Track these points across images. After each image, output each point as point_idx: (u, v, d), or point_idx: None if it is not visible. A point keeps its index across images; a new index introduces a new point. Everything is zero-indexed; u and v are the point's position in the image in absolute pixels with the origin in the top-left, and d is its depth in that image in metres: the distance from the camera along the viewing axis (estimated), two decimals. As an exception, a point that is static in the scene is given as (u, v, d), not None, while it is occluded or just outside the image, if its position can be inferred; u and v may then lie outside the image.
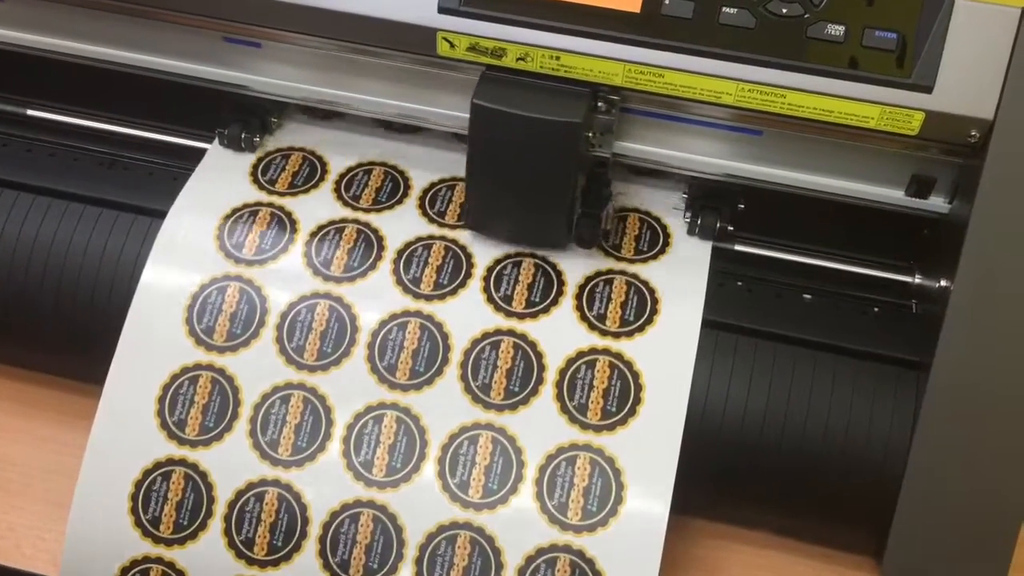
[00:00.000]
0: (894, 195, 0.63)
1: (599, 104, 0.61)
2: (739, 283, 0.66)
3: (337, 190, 0.67)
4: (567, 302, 0.63)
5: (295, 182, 0.67)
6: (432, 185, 0.68)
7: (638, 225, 0.66)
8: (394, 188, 0.67)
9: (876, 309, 0.65)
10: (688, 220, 0.67)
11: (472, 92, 0.65)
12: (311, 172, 0.68)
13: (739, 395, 0.62)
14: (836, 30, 0.57)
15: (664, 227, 0.66)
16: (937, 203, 0.63)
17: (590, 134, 0.62)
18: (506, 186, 0.62)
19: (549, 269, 0.64)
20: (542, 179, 0.61)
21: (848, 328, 0.64)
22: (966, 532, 0.60)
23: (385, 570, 0.58)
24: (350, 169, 0.68)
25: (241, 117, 0.69)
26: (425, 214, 0.66)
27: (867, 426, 0.61)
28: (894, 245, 0.67)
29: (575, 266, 0.64)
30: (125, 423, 0.62)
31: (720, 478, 0.62)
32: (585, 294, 0.63)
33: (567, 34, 0.59)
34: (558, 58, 0.59)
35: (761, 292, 0.66)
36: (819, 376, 0.62)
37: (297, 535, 0.59)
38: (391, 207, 0.66)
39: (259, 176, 0.68)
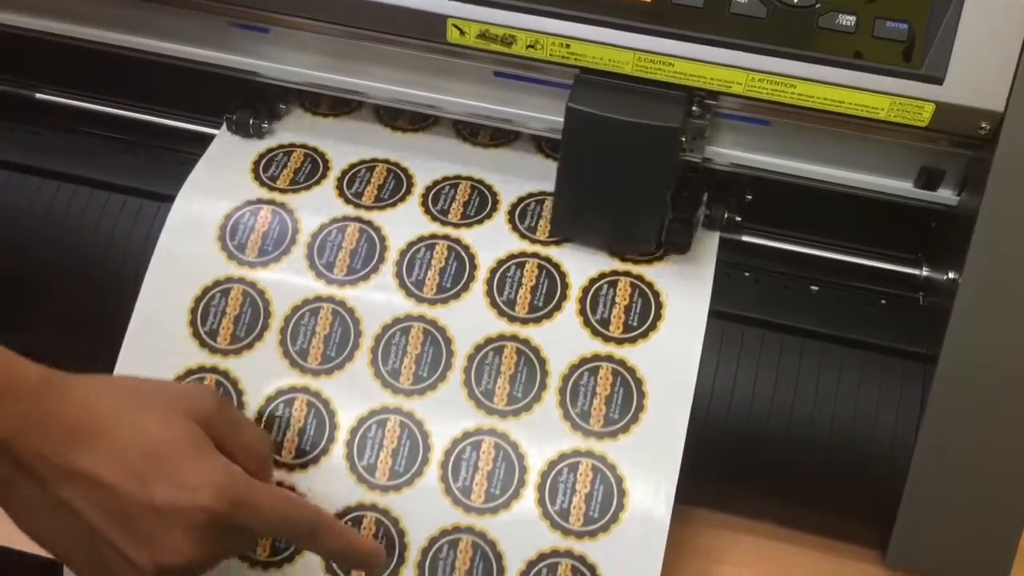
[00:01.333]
0: (902, 187, 0.63)
1: (694, 108, 0.61)
2: (746, 274, 0.66)
3: (339, 187, 0.66)
4: (570, 306, 0.63)
5: (296, 179, 0.67)
6: (435, 183, 0.67)
7: None
8: (396, 185, 0.67)
9: (883, 301, 0.65)
10: (695, 211, 0.67)
11: (480, 80, 0.65)
12: (312, 169, 0.68)
13: (745, 386, 0.62)
14: (847, 20, 0.57)
15: None
16: (946, 195, 0.63)
17: (684, 138, 0.61)
18: (598, 191, 0.61)
19: (552, 270, 0.64)
20: (636, 184, 0.61)
21: (855, 320, 0.63)
22: (971, 525, 0.60)
23: (412, 472, 0.60)
24: (352, 166, 0.68)
25: (249, 103, 0.69)
26: (428, 212, 0.66)
27: (873, 418, 0.61)
28: (902, 237, 0.67)
29: (580, 267, 0.64)
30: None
31: (725, 468, 0.62)
32: (589, 297, 0.63)
33: (578, 22, 0.58)
34: (568, 46, 0.59)
35: (768, 283, 0.65)
36: (825, 368, 0.62)
37: (325, 439, 0.61)
38: (394, 205, 0.66)
39: (260, 173, 0.67)
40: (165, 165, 0.69)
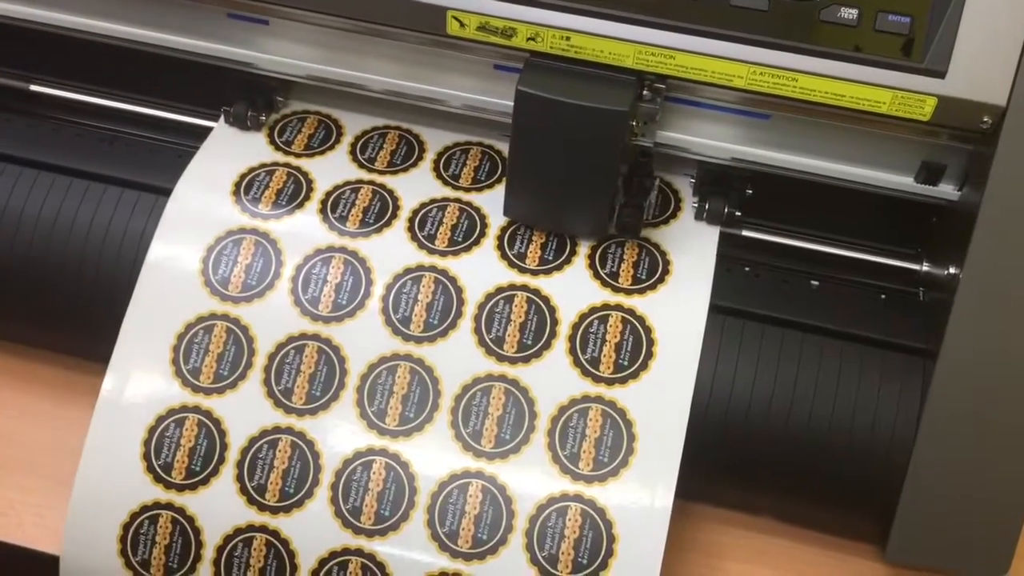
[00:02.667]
0: (903, 181, 0.63)
1: (644, 92, 0.61)
2: (746, 268, 0.66)
3: (353, 152, 0.67)
4: (580, 261, 0.63)
5: (311, 144, 0.68)
6: (447, 149, 0.68)
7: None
8: (408, 151, 0.67)
9: (883, 296, 0.65)
10: (696, 205, 0.67)
11: (479, 73, 0.65)
12: (327, 134, 0.68)
13: (745, 380, 0.61)
14: (849, 14, 0.56)
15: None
16: (947, 190, 0.63)
17: (634, 123, 0.61)
18: (549, 175, 0.61)
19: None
20: (586, 168, 0.60)
21: (855, 315, 0.63)
22: (971, 520, 0.60)
23: (397, 516, 0.59)
24: (365, 132, 0.69)
25: (247, 95, 0.69)
26: (440, 176, 0.66)
27: (873, 413, 0.61)
28: (902, 232, 0.67)
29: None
30: (133, 387, 0.62)
31: (725, 463, 0.62)
32: (598, 255, 0.64)
33: (578, 14, 0.58)
34: (569, 39, 0.59)
35: (768, 278, 0.65)
36: (826, 362, 0.62)
37: (309, 482, 0.60)
38: (406, 170, 0.67)
39: (275, 137, 0.68)
40: (162, 158, 0.69)
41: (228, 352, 0.62)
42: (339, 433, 0.60)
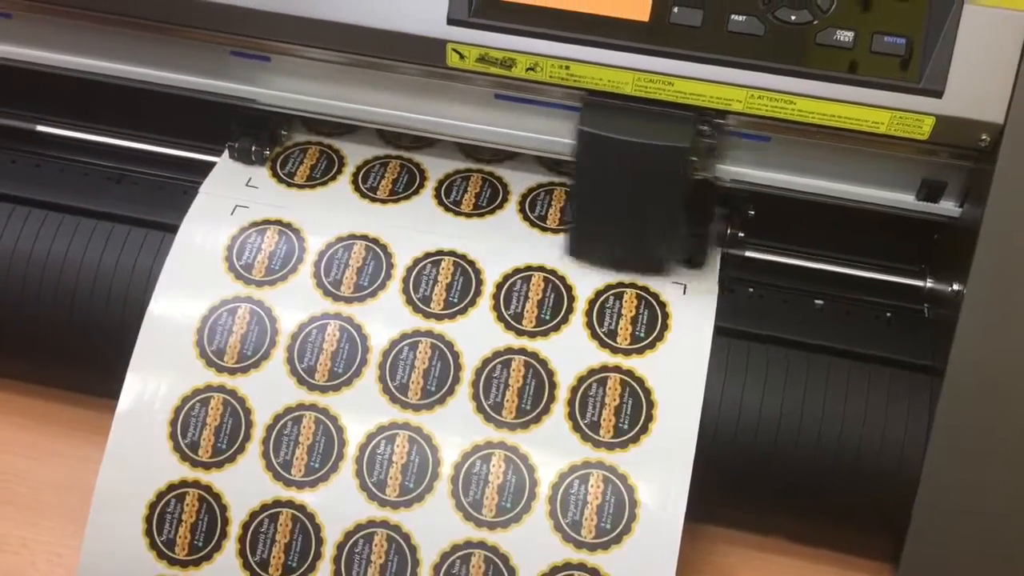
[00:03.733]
0: (904, 200, 0.63)
1: (703, 127, 0.61)
2: (750, 289, 0.66)
3: (355, 182, 0.68)
4: (577, 319, 0.63)
5: (312, 175, 0.68)
6: (447, 176, 0.68)
7: None
8: (410, 180, 0.68)
9: (888, 314, 0.65)
10: (698, 227, 0.67)
11: (480, 103, 0.65)
12: (328, 165, 0.69)
13: (752, 402, 0.62)
14: (845, 36, 0.57)
15: None
16: (948, 207, 0.63)
17: (694, 157, 0.61)
18: (614, 213, 0.62)
19: (558, 282, 0.64)
20: (649, 204, 0.61)
21: (860, 333, 0.64)
22: (983, 537, 0.60)
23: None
24: (367, 162, 0.69)
25: (250, 130, 0.69)
26: (441, 203, 0.67)
27: (881, 431, 0.61)
28: (905, 250, 0.67)
29: (586, 281, 0.64)
30: (138, 445, 0.61)
31: (735, 485, 0.62)
32: (595, 310, 0.63)
33: (576, 44, 0.59)
34: (568, 68, 0.59)
35: (772, 298, 0.66)
36: (832, 382, 0.62)
37: (312, 556, 0.59)
38: (407, 198, 0.67)
39: (278, 170, 0.69)
40: (167, 194, 0.69)
41: (226, 425, 0.61)
42: (339, 507, 0.60)
